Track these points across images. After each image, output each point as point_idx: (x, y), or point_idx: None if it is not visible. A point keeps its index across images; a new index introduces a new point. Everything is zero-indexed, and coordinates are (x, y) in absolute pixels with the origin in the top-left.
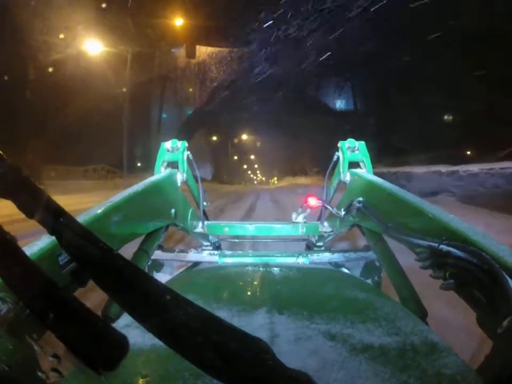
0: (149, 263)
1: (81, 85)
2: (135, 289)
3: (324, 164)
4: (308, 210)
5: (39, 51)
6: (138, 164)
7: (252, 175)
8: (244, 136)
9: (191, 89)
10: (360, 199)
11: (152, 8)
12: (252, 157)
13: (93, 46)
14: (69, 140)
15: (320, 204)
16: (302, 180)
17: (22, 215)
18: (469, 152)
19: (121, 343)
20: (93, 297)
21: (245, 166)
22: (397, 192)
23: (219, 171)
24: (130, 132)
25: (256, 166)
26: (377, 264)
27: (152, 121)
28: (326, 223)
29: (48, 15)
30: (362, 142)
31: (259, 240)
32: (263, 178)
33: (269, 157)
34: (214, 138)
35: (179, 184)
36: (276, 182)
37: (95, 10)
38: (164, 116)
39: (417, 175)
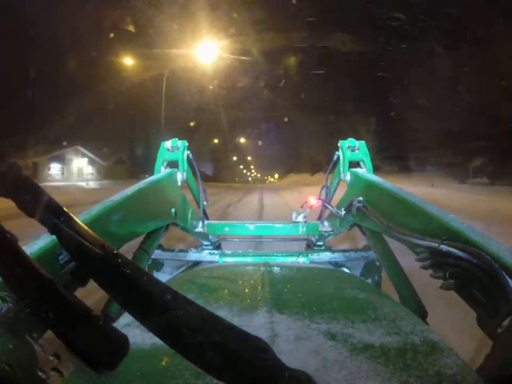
0: (149, 262)
1: None
2: (135, 288)
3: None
4: (308, 210)
5: None
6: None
7: (245, 171)
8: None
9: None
10: (360, 198)
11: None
12: (242, 140)
13: None
14: None
15: (321, 204)
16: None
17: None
18: None
19: (121, 342)
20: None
21: (235, 158)
22: (397, 192)
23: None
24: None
25: (249, 158)
26: (377, 263)
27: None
28: (326, 223)
29: None
30: (363, 142)
31: (259, 240)
32: (258, 175)
33: (265, 144)
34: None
35: (179, 184)
36: (274, 180)
37: None
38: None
39: None
